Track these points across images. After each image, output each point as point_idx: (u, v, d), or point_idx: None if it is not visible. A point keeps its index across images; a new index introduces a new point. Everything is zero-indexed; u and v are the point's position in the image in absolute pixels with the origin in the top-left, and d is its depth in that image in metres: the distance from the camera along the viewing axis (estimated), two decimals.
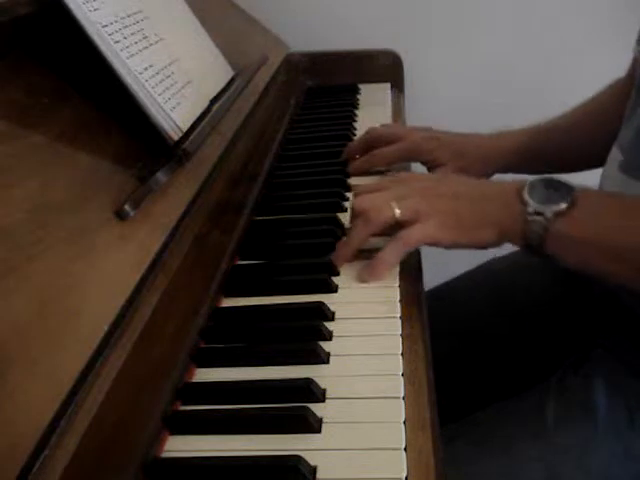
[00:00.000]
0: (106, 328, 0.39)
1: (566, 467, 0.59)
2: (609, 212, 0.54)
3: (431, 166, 0.79)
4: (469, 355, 0.80)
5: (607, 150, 0.72)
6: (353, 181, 0.78)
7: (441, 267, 0.88)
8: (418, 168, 0.82)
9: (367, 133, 0.81)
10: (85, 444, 0.34)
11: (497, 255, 0.86)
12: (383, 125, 0.87)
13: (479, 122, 0.87)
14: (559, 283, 0.79)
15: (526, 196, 0.53)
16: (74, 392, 0.35)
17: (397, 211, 0.56)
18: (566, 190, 0.53)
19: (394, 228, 0.56)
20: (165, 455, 0.41)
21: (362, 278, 0.57)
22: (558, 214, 0.52)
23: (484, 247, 0.56)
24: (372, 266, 0.56)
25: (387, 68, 1.14)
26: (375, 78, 1.15)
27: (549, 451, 0.60)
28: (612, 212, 0.54)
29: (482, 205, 0.55)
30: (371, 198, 0.59)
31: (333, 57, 1.17)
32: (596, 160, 0.77)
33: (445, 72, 1.34)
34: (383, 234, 0.58)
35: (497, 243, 0.55)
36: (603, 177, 0.71)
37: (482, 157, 0.78)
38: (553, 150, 0.80)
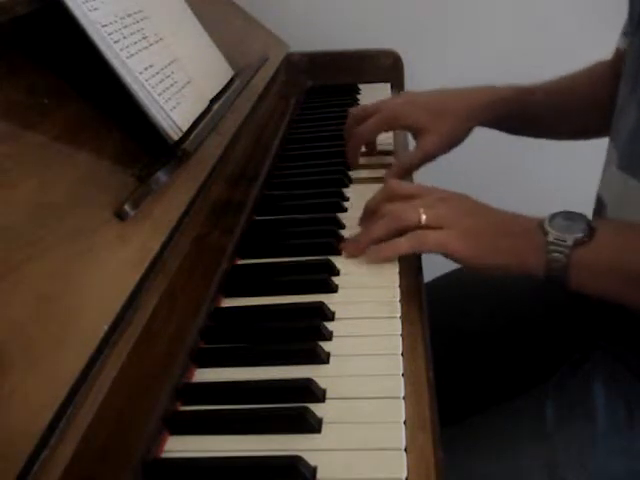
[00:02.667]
0: (106, 328, 0.39)
1: (566, 467, 0.59)
2: (627, 240, 0.55)
3: (414, 131, 0.79)
4: (468, 356, 0.80)
5: (577, 125, 0.80)
6: (354, 174, 0.78)
7: (441, 267, 0.88)
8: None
9: (348, 119, 0.82)
10: (85, 444, 0.34)
11: None
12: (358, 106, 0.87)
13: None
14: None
15: (547, 226, 0.54)
16: (74, 392, 0.35)
17: (423, 217, 0.57)
18: (584, 221, 0.54)
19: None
20: (165, 455, 0.41)
21: (367, 256, 0.58)
22: (578, 242, 0.53)
23: (493, 272, 0.57)
24: (381, 247, 0.57)
25: (387, 68, 1.14)
26: (375, 78, 1.15)
27: (549, 451, 0.60)
28: (631, 240, 0.55)
29: (505, 231, 0.56)
30: (400, 204, 0.59)
31: (333, 57, 1.16)
32: (571, 131, 0.85)
33: (445, 72, 1.34)
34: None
35: (516, 271, 0.56)
36: (603, 175, 0.71)
37: (462, 112, 0.78)
38: (540, 111, 0.81)
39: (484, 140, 0.89)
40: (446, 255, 0.56)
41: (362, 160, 0.82)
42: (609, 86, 0.76)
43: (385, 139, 0.86)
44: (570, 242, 0.53)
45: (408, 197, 0.60)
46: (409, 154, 0.76)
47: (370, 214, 0.63)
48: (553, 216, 0.55)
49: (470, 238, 0.56)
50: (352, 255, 0.60)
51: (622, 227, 0.59)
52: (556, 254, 0.53)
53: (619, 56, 0.76)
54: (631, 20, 0.70)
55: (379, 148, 0.85)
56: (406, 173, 0.76)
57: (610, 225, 0.56)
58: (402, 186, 0.63)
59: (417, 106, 0.78)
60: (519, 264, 0.55)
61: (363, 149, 0.82)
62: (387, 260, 0.58)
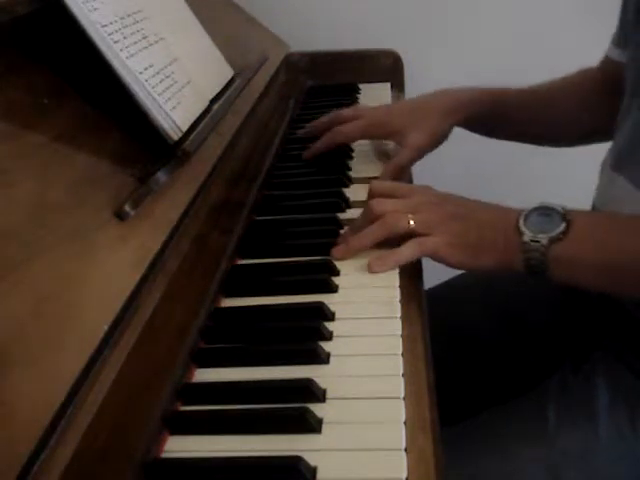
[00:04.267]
0: (106, 328, 0.39)
1: (568, 468, 0.59)
2: (604, 231, 0.56)
3: (397, 136, 0.79)
4: (469, 356, 0.80)
5: (573, 130, 0.80)
6: (354, 174, 0.78)
7: (441, 267, 0.88)
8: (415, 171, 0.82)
9: (328, 115, 0.84)
10: (85, 444, 0.34)
11: None
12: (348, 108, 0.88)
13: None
14: (558, 284, 0.79)
15: (522, 226, 0.55)
16: (74, 392, 0.35)
17: (412, 223, 0.58)
18: (560, 216, 0.55)
19: (404, 237, 0.59)
20: (165, 455, 0.41)
21: (372, 268, 0.58)
22: (554, 240, 0.53)
23: (482, 271, 0.59)
24: (384, 258, 0.58)
25: (387, 68, 1.14)
26: (375, 78, 1.15)
27: (550, 452, 0.60)
28: (607, 231, 0.56)
29: (486, 231, 0.57)
30: (390, 203, 0.60)
31: (333, 57, 1.16)
32: (553, 137, 0.85)
33: (445, 72, 1.34)
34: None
35: (500, 270, 0.57)
36: (601, 173, 0.71)
37: (439, 109, 0.79)
38: (518, 110, 0.83)
39: (485, 140, 0.89)
40: (436, 260, 0.58)
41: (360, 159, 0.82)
42: (599, 91, 0.77)
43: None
44: (545, 242, 0.53)
45: (390, 195, 0.61)
46: (399, 153, 0.77)
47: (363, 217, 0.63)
48: (529, 213, 0.56)
49: (457, 244, 0.57)
50: (341, 259, 0.60)
51: (599, 219, 0.59)
52: (532, 253, 0.54)
53: (608, 65, 0.77)
54: (622, 28, 0.71)
55: (380, 148, 0.85)
56: (399, 172, 0.77)
57: (587, 218, 0.56)
58: (384, 185, 0.65)
59: (396, 113, 0.80)
60: (503, 263, 0.57)
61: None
62: (391, 269, 0.58)
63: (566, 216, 0.54)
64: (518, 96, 0.83)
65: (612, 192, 0.67)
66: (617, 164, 0.66)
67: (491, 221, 0.58)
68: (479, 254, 0.57)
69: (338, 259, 0.60)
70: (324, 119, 0.84)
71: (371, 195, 0.63)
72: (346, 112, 0.83)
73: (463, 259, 0.57)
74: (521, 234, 0.55)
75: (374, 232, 0.59)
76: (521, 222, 0.55)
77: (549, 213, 0.55)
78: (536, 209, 0.56)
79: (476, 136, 0.87)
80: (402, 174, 0.77)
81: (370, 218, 0.60)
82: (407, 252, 0.58)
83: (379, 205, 0.60)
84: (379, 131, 0.81)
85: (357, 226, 0.61)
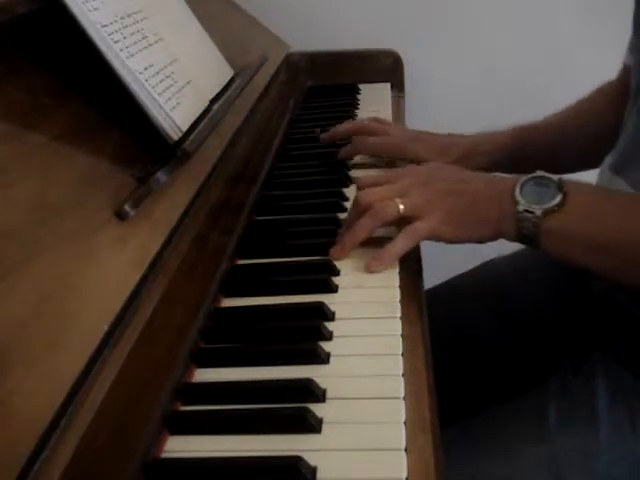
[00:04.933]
0: (106, 328, 0.39)
1: (568, 469, 0.59)
2: (600, 208, 0.55)
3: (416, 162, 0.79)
4: (469, 357, 0.80)
5: (595, 151, 0.74)
6: (353, 174, 0.78)
7: (441, 267, 0.88)
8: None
9: (354, 123, 0.84)
10: (85, 444, 0.34)
11: (497, 256, 0.86)
12: (371, 118, 0.88)
13: (479, 121, 0.87)
14: (558, 284, 0.79)
15: (517, 195, 0.55)
16: (74, 392, 0.35)
17: (401, 207, 0.57)
18: (556, 187, 0.54)
19: (397, 222, 0.59)
20: (165, 455, 0.41)
21: (371, 269, 0.58)
22: (548, 212, 0.53)
23: (481, 242, 0.58)
24: (381, 256, 0.58)
25: (387, 68, 1.14)
26: (375, 78, 1.15)
27: (551, 453, 0.60)
28: (603, 208, 0.55)
29: (479, 203, 0.57)
30: (376, 192, 0.60)
31: (333, 57, 1.16)
32: (584, 161, 0.79)
33: (445, 72, 1.34)
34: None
35: (493, 238, 0.58)
36: (600, 173, 0.72)
37: (464, 156, 0.79)
38: (540, 149, 0.81)
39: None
40: (433, 240, 0.58)
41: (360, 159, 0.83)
42: (613, 105, 0.76)
43: None
44: (539, 213, 0.53)
45: (375, 184, 0.61)
46: None
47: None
48: (525, 182, 0.56)
49: (451, 219, 0.57)
50: (339, 258, 0.60)
51: (595, 193, 0.58)
52: (526, 223, 0.54)
53: (625, 72, 0.76)
54: (636, 34, 0.70)
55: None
56: None
57: (583, 191, 0.56)
58: (368, 176, 0.65)
59: (424, 143, 0.80)
60: (494, 231, 0.57)
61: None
62: (391, 265, 0.58)
63: (562, 187, 0.54)
64: (541, 133, 0.81)
65: None
66: (617, 166, 0.66)
67: (485, 191, 0.58)
68: (475, 226, 0.57)
69: (336, 259, 0.59)
70: (348, 126, 0.83)
71: (358, 189, 0.63)
72: (375, 126, 0.82)
73: (459, 234, 0.57)
74: (516, 203, 0.54)
75: (365, 224, 0.59)
76: (517, 191, 0.55)
77: (546, 183, 0.55)
78: (532, 178, 0.56)
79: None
80: None
81: (359, 210, 0.60)
82: (401, 244, 0.57)
83: (365, 195, 0.60)
84: (401, 155, 0.80)
85: (349, 221, 0.61)
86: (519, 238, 0.55)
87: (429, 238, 0.58)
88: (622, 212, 0.55)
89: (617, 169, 0.65)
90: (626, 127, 0.66)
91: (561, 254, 0.56)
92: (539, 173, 0.56)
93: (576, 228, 0.54)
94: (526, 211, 0.54)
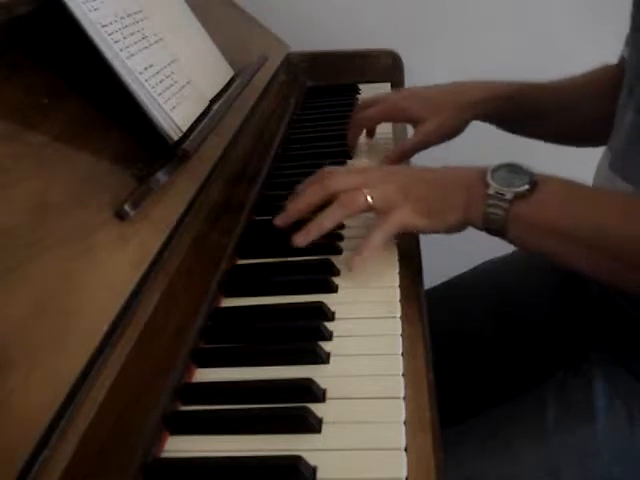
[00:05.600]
0: (106, 328, 0.39)
1: (567, 468, 0.59)
2: (568, 198, 0.55)
3: (414, 122, 0.80)
4: (468, 357, 0.80)
5: (585, 130, 0.78)
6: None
7: (441, 267, 0.88)
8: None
9: (357, 106, 0.86)
10: (85, 444, 0.34)
11: (495, 256, 0.86)
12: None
13: (479, 121, 0.87)
14: (557, 284, 0.79)
15: (489, 179, 0.55)
16: (74, 392, 0.35)
17: (369, 198, 0.57)
18: (528, 175, 0.54)
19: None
20: (165, 455, 0.41)
21: (352, 265, 0.57)
22: (518, 196, 0.53)
23: (451, 231, 0.58)
24: (359, 250, 0.57)
25: (387, 68, 1.14)
26: (375, 78, 1.15)
27: (550, 452, 0.60)
28: (571, 198, 0.55)
29: (448, 189, 0.57)
30: (345, 181, 0.59)
31: (333, 57, 1.16)
32: (567, 135, 0.82)
33: (445, 72, 1.34)
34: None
35: (460, 226, 0.57)
36: (596, 172, 0.71)
37: (459, 104, 0.80)
38: (536, 107, 0.82)
39: (481, 140, 0.89)
40: (407, 231, 0.58)
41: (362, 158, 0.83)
42: (614, 88, 0.76)
43: (384, 133, 0.88)
44: (509, 196, 0.53)
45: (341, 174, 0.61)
46: (406, 139, 0.78)
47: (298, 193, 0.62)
48: (497, 168, 0.56)
49: (421, 209, 0.57)
50: (301, 244, 0.58)
51: (565, 183, 0.58)
52: (495, 207, 0.54)
53: (623, 64, 0.76)
54: (633, 27, 0.70)
55: (379, 141, 0.87)
56: (403, 157, 0.78)
57: (553, 181, 0.55)
58: (334, 169, 0.64)
59: (417, 99, 0.81)
60: (462, 218, 0.56)
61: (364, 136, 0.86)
62: (369, 257, 0.57)
63: (533, 176, 0.54)
64: (538, 93, 0.82)
65: None
66: (615, 164, 0.66)
67: (456, 178, 0.57)
68: (444, 213, 0.56)
69: (298, 245, 0.58)
70: (354, 111, 0.85)
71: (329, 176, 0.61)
72: (367, 99, 0.85)
73: (431, 223, 0.57)
74: (487, 186, 0.54)
75: (332, 214, 0.58)
76: (488, 175, 0.55)
77: (517, 171, 0.55)
78: (505, 165, 0.56)
79: (472, 137, 0.86)
80: (403, 160, 0.78)
81: (325, 192, 0.58)
82: (377, 239, 0.57)
83: (334, 183, 0.59)
84: (398, 116, 0.82)
85: (300, 189, 0.61)
86: (485, 224, 0.54)
87: (403, 229, 0.58)
88: (590, 202, 0.55)
89: (615, 167, 0.65)
90: (622, 123, 0.66)
91: (526, 242, 0.55)
92: (511, 162, 0.55)
93: (545, 215, 0.53)
94: (497, 193, 0.53)
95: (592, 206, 0.54)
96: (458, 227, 0.57)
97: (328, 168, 0.62)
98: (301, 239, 0.58)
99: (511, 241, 0.55)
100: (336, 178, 0.59)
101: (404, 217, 0.57)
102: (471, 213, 0.55)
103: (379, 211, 0.58)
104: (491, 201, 0.54)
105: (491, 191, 0.54)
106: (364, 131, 0.87)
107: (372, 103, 0.83)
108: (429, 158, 0.79)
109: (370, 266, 0.58)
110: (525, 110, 0.81)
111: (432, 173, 0.59)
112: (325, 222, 0.58)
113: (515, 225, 0.54)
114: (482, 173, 0.55)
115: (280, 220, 0.61)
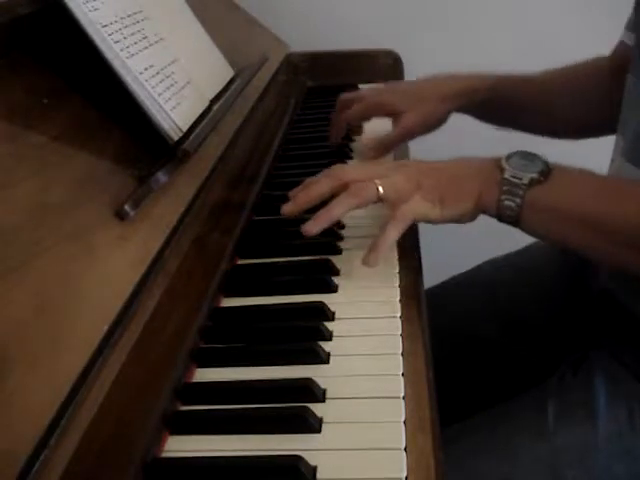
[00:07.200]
0: (106, 328, 0.39)
1: (567, 466, 0.59)
2: (584, 185, 0.55)
3: (395, 115, 0.80)
4: (468, 356, 0.80)
5: (571, 121, 0.78)
6: None
7: (441, 267, 0.88)
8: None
9: (337, 104, 0.86)
10: (85, 444, 0.34)
11: (497, 256, 0.86)
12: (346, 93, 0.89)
13: (479, 121, 0.87)
14: (558, 283, 0.79)
15: (504, 164, 0.54)
16: (74, 392, 0.35)
17: (380, 188, 0.56)
18: (542, 162, 0.54)
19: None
20: (165, 455, 0.41)
21: (368, 262, 0.56)
22: (534, 182, 0.53)
23: (463, 220, 0.57)
24: (375, 247, 0.56)
25: (387, 68, 1.14)
26: (375, 78, 1.14)
27: (550, 451, 0.60)
28: (587, 185, 0.55)
29: (461, 177, 0.57)
30: (357, 171, 0.59)
31: (333, 57, 1.16)
32: (551, 128, 0.82)
33: (445, 72, 1.34)
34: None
35: (474, 215, 0.57)
36: (610, 167, 0.71)
37: (440, 95, 0.80)
38: (517, 99, 0.82)
39: (487, 136, 0.89)
40: (421, 222, 0.57)
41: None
42: (607, 80, 0.76)
43: (385, 131, 0.87)
44: (526, 180, 0.53)
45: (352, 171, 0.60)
46: (388, 132, 0.78)
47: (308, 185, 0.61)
48: (511, 155, 0.55)
49: (433, 198, 0.56)
50: (310, 232, 0.57)
51: (581, 171, 0.58)
52: (510, 193, 0.53)
53: (622, 49, 0.76)
54: (637, 11, 0.70)
55: (378, 140, 0.86)
56: (385, 149, 0.78)
57: (567, 168, 0.55)
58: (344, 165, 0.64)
59: (398, 93, 0.81)
60: (476, 204, 0.55)
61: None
62: (385, 252, 0.56)
63: (548, 163, 0.54)
64: (520, 84, 0.82)
65: None
66: (629, 153, 0.65)
67: (469, 166, 0.57)
68: (458, 202, 0.56)
69: (307, 233, 0.57)
70: (336, 110, 0.85)
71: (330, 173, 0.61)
72: (346, 96, 0.85)
73: (443, 213, 0.56)
74: (502, 171, 0.54)
75: (342, 203, 0.57)
76: (503, 161, 0.55)
77: (531, 158, 0.55)
78: (518, 152, 0.55)
79: (475, 134, 0.87)
80: (385, 152, 0.78)
81: (335, 182, 0.58)
82: (391, 234, 0.56)
83: (345, 173, 0.59)
84: (379, 111, 0.82)
85: (310, 182, 0.60)
86: (499, 210, 0.54)
87: (416, 220, 0.57)
88: (606, 189, 0.55)
89: (628, 155, 0.65)
90: (633, 113, 0.65)
91: (540, 229, 0.55)
92: (525, 150, 0.55)
93: (561, 200, 0.53)
94: (513, 177, 0.53)
95: (608, 193, 0.54)
96: (470, 216, 0.57)
97: (338, 165, 0.62)
98: (310, 227, 0.58)
99: (524, 228, 0.55)
100: (348, 169, 0.60)
101: (415, 208, 0.56)
102: (485, 200, 0.55)
103: (390, 202, 0.57)
104: (506, 187, 0.53)
105: (507, 175, 0.53)
106: (364, 131, 0.87)
107: (352, 100, 0.83)
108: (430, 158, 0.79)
109: None
110: (507, 101, 0.81)
111: (444, 164, 0.59)
112: (334, 210, 0.57)
113: (530, 211, 0.53)
114: (496, 160, 0.55)
115: (288, 208, 0.60)
